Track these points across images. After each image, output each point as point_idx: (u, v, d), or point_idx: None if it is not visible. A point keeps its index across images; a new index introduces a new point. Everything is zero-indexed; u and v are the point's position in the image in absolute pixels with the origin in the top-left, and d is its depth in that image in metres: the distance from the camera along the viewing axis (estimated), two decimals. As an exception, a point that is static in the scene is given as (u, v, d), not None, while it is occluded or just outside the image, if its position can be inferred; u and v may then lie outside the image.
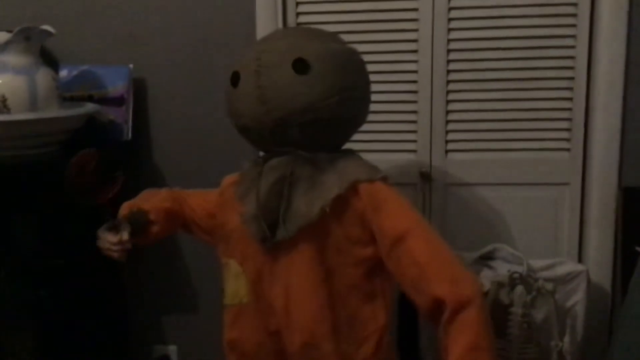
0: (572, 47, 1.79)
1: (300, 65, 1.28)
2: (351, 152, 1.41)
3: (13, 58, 1.65)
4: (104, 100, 1.86)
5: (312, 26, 1.69)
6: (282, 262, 1.33)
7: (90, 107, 1.78)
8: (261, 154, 1.43)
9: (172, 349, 2.09)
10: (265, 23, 1.84)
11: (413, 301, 1.26)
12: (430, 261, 1.23)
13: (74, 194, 1.35)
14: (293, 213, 1.29)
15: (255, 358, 1.41)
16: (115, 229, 1.40)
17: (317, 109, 1.29)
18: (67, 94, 1.84)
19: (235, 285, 1.40)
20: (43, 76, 1.68)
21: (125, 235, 1.39)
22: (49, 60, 1.85)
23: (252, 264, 1.37)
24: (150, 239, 1.49)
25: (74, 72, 1.89)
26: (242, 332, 1.41)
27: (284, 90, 1.28)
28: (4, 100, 1.62)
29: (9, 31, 1.65)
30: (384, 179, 1.33)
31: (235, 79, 1.34)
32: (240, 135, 1.42)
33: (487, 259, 1.77)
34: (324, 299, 1.32)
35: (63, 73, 1.88)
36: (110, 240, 1.39)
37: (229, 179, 1.49)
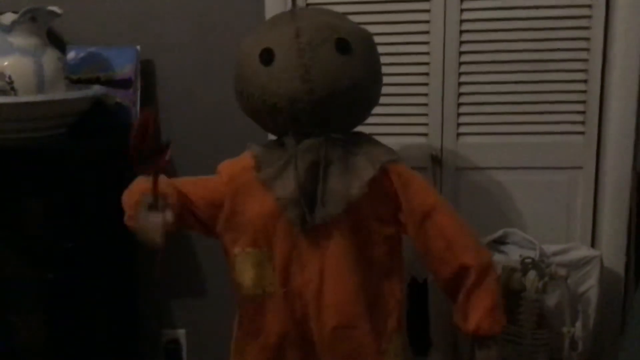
0: (587, 28, 1.76)
1: (343, 45, 1.29)
2: (365, 134, 1.43)
3: (19, 39, 1.63)
4: (111, 83, 1.84)
5: (325, 7, 1.69)
6: (316, 246, 1.34)
7: (97, 89, 1.77)
8: (270, 137, 1.42)
9: (181, 333, 2.09)
10: (273, 3, 1.81)
11: (435, 272, 1.40)
12: (455, 233, 1.35)
13: (139, 160, 1.20)
14: (331, 195, 1.30)
15: (278, 349, 1.40)
16: (155, 208, 1.26)
17: (358, 89, 1.32)
18: (73, 76, 1.82)
19: (259, 274, 1.38)
20: (50, 58, 1.67)
21: (169, 216, 1.26)
22: (56, 41, 1.83)
23: (281, 250, 1.36)
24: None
25: (81, 54, 1.87)
26: (265, 324, 1.39)
27: (329, 69, 1.28)
28: (11, 82, 1.61)
29: (15, 12, 1.63)
30: (402, 160, 1.39)
31: (267, 56, 1.30)
32: (253, 116, 1.40)
33: (499, 243, 1.76)
34: (358, 279, 1.35)
35: (70, 55, 1.86)
36: (154, 222, 1.26)
37: (232, 164, 1.43)
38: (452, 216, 1.38)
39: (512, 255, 1.68)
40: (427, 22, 1.80)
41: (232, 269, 1.42)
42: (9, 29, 1.63)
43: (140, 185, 1.31)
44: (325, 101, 1.29)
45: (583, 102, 1.80)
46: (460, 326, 1.38)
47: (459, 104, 1.83)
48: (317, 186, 1.30)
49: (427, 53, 1.82)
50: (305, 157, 1.31)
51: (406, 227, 1.37)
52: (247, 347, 1.44)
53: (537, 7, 1.76)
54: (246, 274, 1.39)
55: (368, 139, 1.41)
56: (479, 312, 1.33)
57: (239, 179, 1.39)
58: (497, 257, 1.67)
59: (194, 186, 1.41)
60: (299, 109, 1.30)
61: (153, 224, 1.26)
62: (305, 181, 1.30)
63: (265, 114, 1.35)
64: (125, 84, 1.84)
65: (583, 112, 1.81)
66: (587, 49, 1.77)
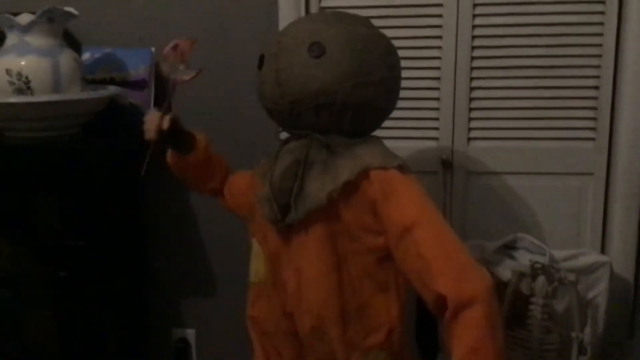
0: (600, 34, 1.76)
1: (316, 49, 1.27)
2: (374, 139, 1.39)
3: (36, 40, 1.65)
4: (125, 83, 1.86)
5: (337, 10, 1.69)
6: (295, 245, 1.34)
7: (112, 89, 1.78)
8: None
9: (190, 333, 2.10)
10: (288, 6, 1.83)
11: (418, 294, 1.23)
12: (435, 255, 1.18)
13: (167, 70, 1.45)
14: (304, 196, 1.29)
15: (274, 336, 1.44)
16: (162, 111, 1.44)
17: (329, 93, 1.27)
18: (89, 76, 1.84)
19: (256, 264, 1.44)
20: (66, 58, 1.68)
21: (166, 122, 1.41)
22: (72, 42, 1.85)
23: (270, 244, 1.39)
24: (184, 161, 1.53)
25: (96, 55, 1.89)
26: (261, 310, 1.44)
27: (298, 73, 1.28)
28: (27, 81, 1.63)
29: (33, 13, 1.65)
30: (401, 167, 1.29)
31: (259, 62, 1.35)
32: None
33: (509, 248, 1.76)
34: (334, 284, 1.31)
35: (85, 55, 1.88)
36: (153, 116, 1.43)
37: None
38: (437, 235, 1.21)
39: (522, 260, 1.68)
40: (439, 26, 1.81)
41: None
42: (27, 29, 1.65)
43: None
44: (297, 104, 1.29)
45: (594, 108, 1.80)
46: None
47: (470, 109, 1.84)
48: (293, 187, 1.30)
49: (439, 58, 1.82)
50: (285, 157, 1.32)
51: (389, 241, 1.27)
52: (251, 330, 1.49)
53: (549, 13, 1.76)
54: (252, 261, 1.46)
55: (372, 143, 1.36)
56: (460, 349, 1.13)
57: (257, 172, 1.46)
58: (507, 262, 1.68)
59: (238, 175, 1.59)
60: (277, 112, 1.34)
61: (151, 117, 1.43)
62: (282, 180, 1.31)
63: (267, 114, 1.41)
64: (139, 84, 1.86)
65: (594, 119, 1.81)
66: (599, 55, 1.77)
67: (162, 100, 1.90)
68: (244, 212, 1.53)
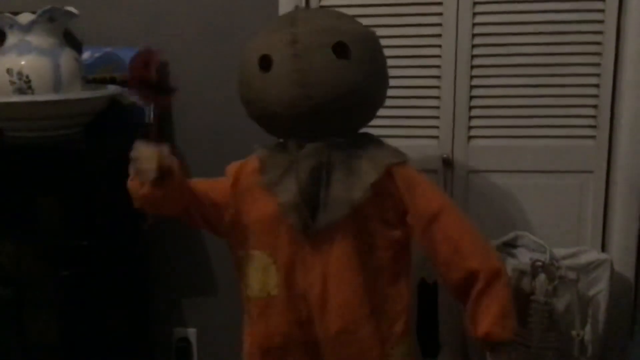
0: (600, 32, 1.76)
1: (341, 49, 1.27)
2: (373, 136, 1.41)
3: (37, 39, 1.66)
4: (126, 83, 1.86)
5: (335, 8, 1.69)
6: (319, 250, 1.33)
7: (112, 89, 1.79)
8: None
9: (191, 332, 2.10)
10: (287, 6, 1.82)
11: (443, 277, 1.36)
12: (463, 237, 1.31)
13: (138, 86, 1.28)
14: (334, 199, 1.29)
15: (283, 351, 1.40)
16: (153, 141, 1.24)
17: (358, 94, 1.30)
18: (89, 76, 1.84)
19: (263, 277, 1.38)
20: (67, 57, 1.69)
21: (168, 156, 1.24)
22: (72, 41, 1.85)
23: (284, 254, 1.36)
24: (167, 191, 1.29)
25: (97, 54, 1.89)
26: (269, 325, 1.39)
27: (326, 74, 1.26)
28: (28, 81, 1.63)
29: (33, 12, 1.66)
30: (408, 161, 1.37)
31: (265, 62, 1.30)
32: (257, 121, 1.40)
33: (509, 246, 1.76)
34: (361, 283, 1.33)
35: (86, 54, 1.88)
36: (150, 149, 1.24)
37: (238, 166, 1.43)
38: (460, 219, 1.35)
39: (522, 258, 1.68)
40: (439, 25, 1.81)
41: (237, 270, 1.43)
42: (27, 28, 1.65)
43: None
44: (324, 107, 1.28)
45: (594, 106, 1.80)
46: (471, 331, 1.35)
47: (471, 107, 1.84)
48: (320, 191, 1.30)
49: (439, 56, 1.82)
50: (306, 162, 1.30)
51: (413, 231, 1.35)
52: (252, 347, 1.44)
53: (549, 11, 1.77)
54: (251, 276, 1.40)
55: (374, 140, 1.39)
56: (488, 318, 1.29)
57: (245, 181, 1.40)
58: (508, 260, 1.68)
59: (202, 185, 1.42)
60: (298, 115, 1.29)
61: (146, 152, 1.24)
62: (307, 186, 1.30)
63: (266, 119, 1.36)
64: (140, 84, 1.86)
65: (594, 117, 1.81)
66: (599, 53, 1.77)
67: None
68: (219, 225, 1.42)
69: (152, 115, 1.25)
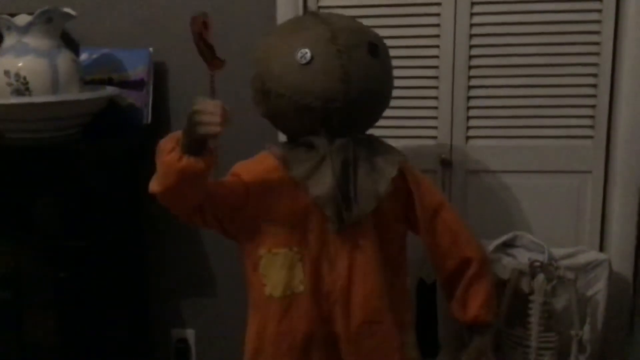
0: (597, 32, 1.76)
1: (374, 48, 1.35)
2: (375, 136, 1.45)
3: (34, 40, 1.66)
4: (124, 84, 1.86)
5: (333, 10, 1.70)
6: (345, 243, 1.37)
7: (110, 90, 1.78)
8: (281, 138, 1.42)
9: (189, 333, 2.10)
10: (285, 7, 1.82)
11: (439, 266, 1.48)
12: (460, 229, 1.46)
13: (202, 45, 1.34)
14: (363, 193, 1.34)
15: (305, 348, 1.40)
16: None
17: (383, 92, 1.41)
18: (87, 77, 1.84)
19: (289, 275, 1.37)
20: (64, 59, 1.68)
21: (228, 113, 1.18)
22: (70, 42, 1.85)
23: (313, 249, 1.37)
24: (205, 167, 1.23)
25: (95, 55, 1.89)
26: (292, 324, 1.39)
27: (364, 71, 1.33)
28: (26, 82, 1.63)
29: (30, 14, 1.65)
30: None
31: (305, 57, 1.31)
32: (282, 116, 1.38)
33: (508, 246, 1.76)
34: (383, 274, 1.39)
35: (83, 56, 1.88)
36: (213, 108, 1.17)
37: (252, 166, 1.40)
38: (455, 212, 1.48)
39: (521, 258, 1.68)
40: (437, 25, 1.81)
41: (253, 270, 1.40)
42: (25, 30, 1.65)
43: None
44: (358, 102, 1.33)
45: (592, 106, 1.81)
46: (459, 316, 1.48)
47: (469, 107, 1.84)
48: (349, 185, 1.33)
49: (437, 57, 1.82)
50: (338, 156, 1.33)
51: (416, 224, 1.43)
52: (271, 348, 1.41)
53: (546, 12, 1.77)
54: (274, 275, 1.38)
55: (378, 140, 1.44)
56: (477, 301, 1.44)
57: (264, 180, 1.37)
58: (506, 260, 1.68)
59: (214, 184, 1.35)
60: (334, 109, 1.31)
61: (212, 107, 1.17)
62: (341, 179, 1.33)
63: (295, 114, 1.34)
64: (137, 85, 1.86)
65: (592, 117, 1.81)
66: (596, 53, 1.78)
67: (159, 101, 1.92)
68: (232, 225, 1.38)
69: (211, 77, 1.30)
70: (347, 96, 1.30)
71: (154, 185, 1.28)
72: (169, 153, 1.22)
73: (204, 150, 1.22)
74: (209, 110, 1.16)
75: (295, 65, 1.31)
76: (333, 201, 1.32)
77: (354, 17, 1.46)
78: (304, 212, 1.35)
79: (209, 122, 1.16)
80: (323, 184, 1.32)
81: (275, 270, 1.38)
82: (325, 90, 1.30)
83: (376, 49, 1.35)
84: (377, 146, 1.40)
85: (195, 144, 1.20)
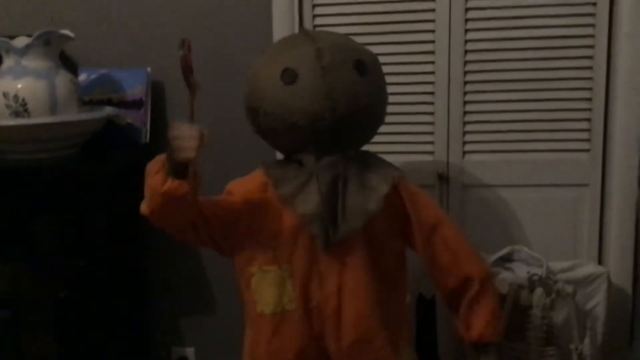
0: (591, 46, 1.78)
1: (361, 66, 1.34)
2: (371, 152, 1.45)
3: (33, 62, 1.67)
4: (122, 104, 1.87)
5: (328, 28, 1.71)
6: (335, 261, 1.36)
7: (108, 110, 1.80)
8: (278, 156, 1.43)
9: (189, 351, 2.10)
10: (282, 26, 1.84)
11: (440, 284, 1.43)
12: (460, 246, 1.41)
13: (187, 70, 1.30)
14: (351, 210, 1.33)
15: None
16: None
17: (372, 109, 1.38)
18: (86, 98, 1.85)
19: (278, 292, 1.38)
20: (62, 80, 1.70)
21: (205, 137, 1.20)
22: (68, 64, 1.87)
23: (301, 267, 1.37)
24: (189, 190, 1.24)
25: (93, 76, 1.91)
26: (283, 341, 1.39)
27: (350, 88, 1.32)
28: (24, 104, 1.64)
29: (29, 36, 1.67)
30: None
31: (289, 75, 1.32)
32: (267, 133, 1.40)
33: (505, 260, 1.76)
34: (375, 292, 1.37)
35: (82, 77, 1.90)
36: (189, 133, 1.20)
37: (245, 184, 1.41)
38: (456, 229, 1.43)
39: (519, 272, 1.69)
40: (432, 42, 1.82)
41: (246, 287, 1.41)
42: (23, 52, 1.67)
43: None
44: (346, 119, 1.32)
45: (588, 119, 1.81)
46: (464, 335, 1.43)
47: (465, 122, 1.85)
48: (337, 202, 1.33)
49: (432, 72, 1.84)
50: (325, 174, 1.33)
51: (414, 241, 1.41)
52: None
53: (540, 27, 1.78)
54: (265, 292, 1.39)
55: (374, 156, 1.44)
56: (481, 320, 1.39)
57: (255, 197, 1.38)
58: (504, 275, 1.68)
59: (208, 202, 1.37)
60: (321, 127, 1.32)
61: (189, 131, 1.20)
62: (328, 197, 1.33)
63: (283, 132, 1.36)
64: (136, 104, 1.87)
65: (588, 130, 1.82)
66: (590, 67, 1.79)
67: (157, 120, 1.93)
68: (225, 242, 1.39)
69: (190, 99, 1.27)
70: (334, 113, 1.30)
71: (144, 207, 1.31)
72: (153, 176, 1.25)
73: (187, 172, 1.23)
74: (185, 135, 1.19)
75: (282, 85, 1.32)
76: (319, 219, 1.32)
77: (345, 35, 1.47)
78: (293, 230, 1.35)
79: (185, 147, 1.19)
80: (309, 202, 1.33)
81: (265, 287, 1.39)
82: (312, 108, 1.31)
83: (363, 65, 1.35)
84: (371, 162, 1.40)
85: (179, 167, 1.22)
